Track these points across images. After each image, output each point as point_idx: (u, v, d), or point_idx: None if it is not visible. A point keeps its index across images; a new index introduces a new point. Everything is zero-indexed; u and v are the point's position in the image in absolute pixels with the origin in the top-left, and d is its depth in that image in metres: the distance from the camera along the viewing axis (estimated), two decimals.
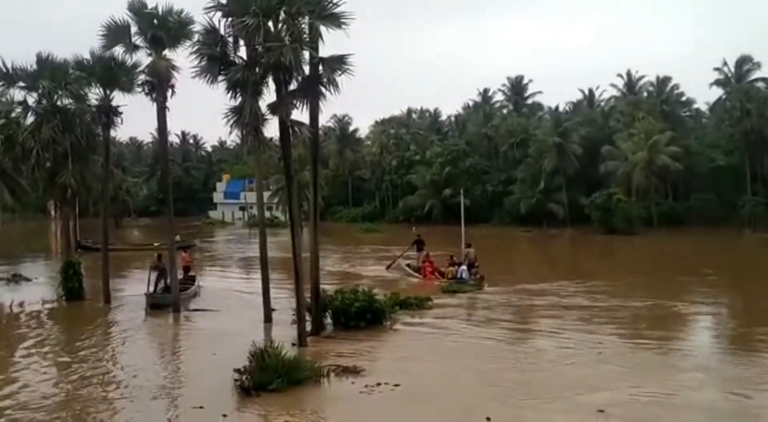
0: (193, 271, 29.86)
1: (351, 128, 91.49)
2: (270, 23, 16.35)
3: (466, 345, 17.57)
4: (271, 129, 18.15)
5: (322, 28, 16.71)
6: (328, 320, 19.39)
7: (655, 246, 50.71)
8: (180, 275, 25.92)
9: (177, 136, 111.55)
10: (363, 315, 19.18)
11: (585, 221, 63.16)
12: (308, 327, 17.90)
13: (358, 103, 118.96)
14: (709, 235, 54.43)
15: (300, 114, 17.61)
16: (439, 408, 12.06)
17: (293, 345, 16.62)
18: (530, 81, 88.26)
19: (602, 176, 66.92)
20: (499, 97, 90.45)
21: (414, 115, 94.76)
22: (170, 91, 22.77)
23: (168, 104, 22.91)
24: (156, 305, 23.47)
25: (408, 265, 32.26)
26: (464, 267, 28.60)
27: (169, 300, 23.29)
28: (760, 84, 68.19)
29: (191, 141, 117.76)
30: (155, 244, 48.64)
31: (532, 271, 34.50)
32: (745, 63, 69.48)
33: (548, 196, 68.99)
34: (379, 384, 13.23)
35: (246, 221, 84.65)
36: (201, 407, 12.36)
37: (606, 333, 18.77)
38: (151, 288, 24.29)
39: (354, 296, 19.57)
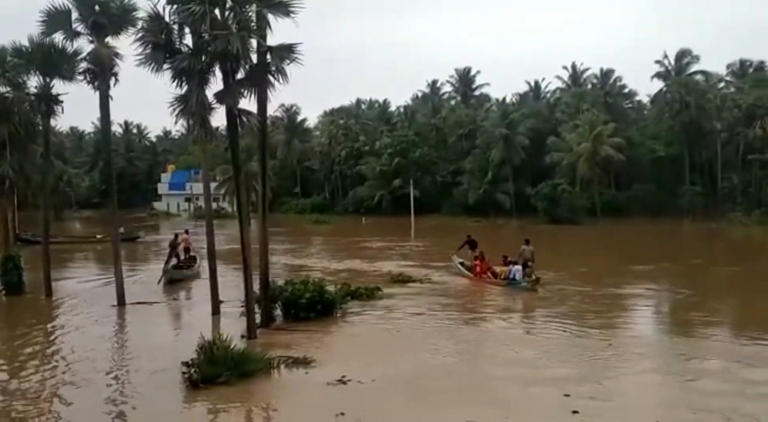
0: (193, 252, 31.61)
1: (299, 118, 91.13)
2: (216, 11, 16.05)
3: (414, 333, 17.66)
4: (218, 118, 17.91)
5: (270, 17, 16.52)
6: (278, 312, 19.24)
7: (599, 236, 51.95)
8: (183, 256, 30.41)
9: (120, 125, 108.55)
10: (313, 306, 19.07)
11: (531, 211, 64.34)
12: (258, 319, 17.73)
13: (307, 93, 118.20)
14: (651, 224, 56.01)
15: (248, 103, 17.40)
16: (387, 396, 12.13)
17: (242, 337, 16.46)
18: (478, 72, 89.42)
19: (548, 167, 68.17)
20: (447, 88, 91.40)
21: (363, 106, 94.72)
22: (113, 79, 22.07)
23: (111, 93, 22.22)
24: (173, 280, 26.59)
25: (461, 263, 29.11)
26: (518, 267, 25.50)
27: (182, 276, 27.46)
28: (698, 77, 70.38)
29: (135, 131, 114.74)
30: (98, 237, 47.56)
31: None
32: (684, 56, 71.63)
33: (496, 186, 69.90)
34: (343, 378, 13.16)
35: (192, 212, 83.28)
36: (147, 401, 12.14)
37: (556, 318, 19.15)
38: (170, 263, 28.28)
39: (304, 287, 19.44)
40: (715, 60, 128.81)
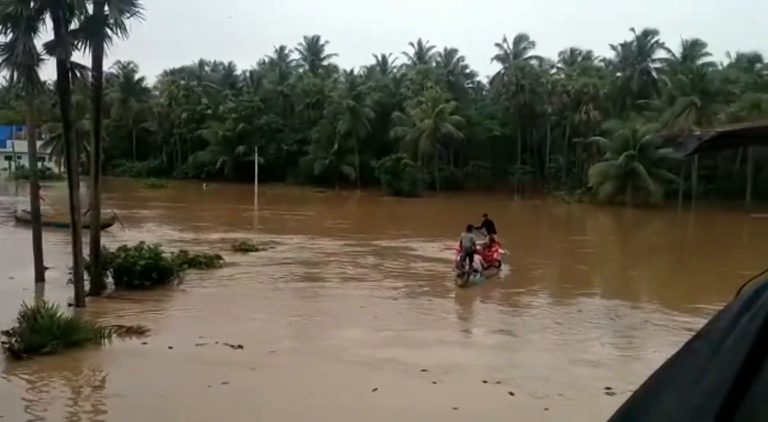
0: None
1: (137, 76, 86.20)
2: None
3: (253, 302, 17.51)
4: (47, 71, 16.51)
5: None
6: (110, 279, 18.29)
7: (436, 207, 54.10)
8: None
9: None
10: (148, 274, 18.27)
11: (375, 183, 65.63)
12: (87, 286, 16.76)
13: (146, 50, 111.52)
14: (484, 199, 59.08)
15: (82, 57, 16.19)
16: (227, 365, 11.98)
17: (70, 305, 15.50)
18: (327, 42, 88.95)
19: (392, 141, 69.69)
20: (295, 55, 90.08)
21: (207, 68, 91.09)
22: None
23: None
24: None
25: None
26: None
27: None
28: (533, 61, 74.69)
29: None
30: None
31: (325, 230, 35.11)
32: (522, 41, 75.60)
33: (341, 157, 70.48)
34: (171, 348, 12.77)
35: (13, 172, 76.48)
36: None
37: (392, 287, 19.76)
38: None
39: (139, 254, 18.56)
40: (549, 46, 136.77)
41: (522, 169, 68.85)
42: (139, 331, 13.71)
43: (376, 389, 10.56)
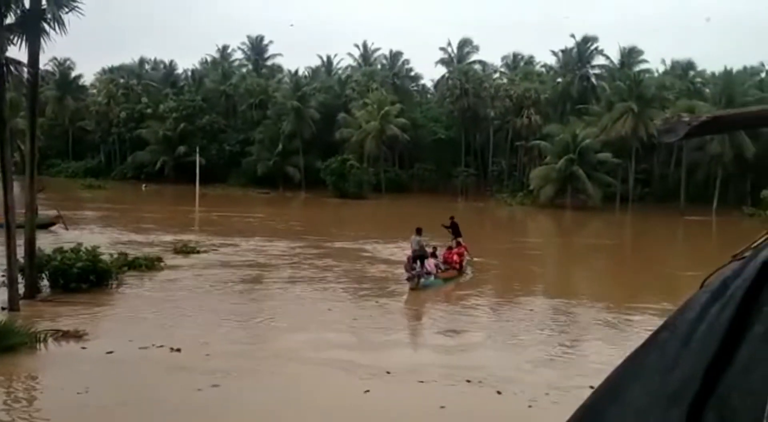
0: None
1: (73, 74, 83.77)
2: None
3: (193, 305, 17.11)
4: None
5: None
6: (46, 282, 17.63)
7: (382, 209, 54.21)
8: None
9: None
10: (86, 277, 17.68)
11: (320, 185, 65.32)
12: (22, 290, 16.11)
13: (83, 47, 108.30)
14: (429, 201, 59.49)
15: (17, 52, 15.56)
16: (163, 368, 11.66)
17: (3, 309, 14.87)
18: (271, 42, 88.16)
19: (337, 142, 69.53)
20: (238, 55, 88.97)
21: (147, 66, 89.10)
22: None
23: None
24: None
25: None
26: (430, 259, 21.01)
27: None
28: (477, 66, 75.71)
29: None
30: None
31: (270, 231, 34.70)
32: (465, 45, 76.57)
33: (286, 159, 69.94)
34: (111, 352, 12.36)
35: None
36: None
37: (340, 288, 19.64)
38: None
39: (76, 256, 17.95)
40: (492, 51, 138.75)
41: (466, 172, 69.66)
42: (76, 335, 13.23)
43: (368, 390, 10.41)
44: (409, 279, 19.92)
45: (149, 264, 21.65)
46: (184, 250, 25.72)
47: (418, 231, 20.86)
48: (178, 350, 12.29)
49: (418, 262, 20.06)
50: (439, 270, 21.29)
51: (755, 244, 1.36)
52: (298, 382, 10.89)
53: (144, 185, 68.51)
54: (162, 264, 22.07)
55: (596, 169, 59.97)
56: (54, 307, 15.90)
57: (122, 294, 18.21)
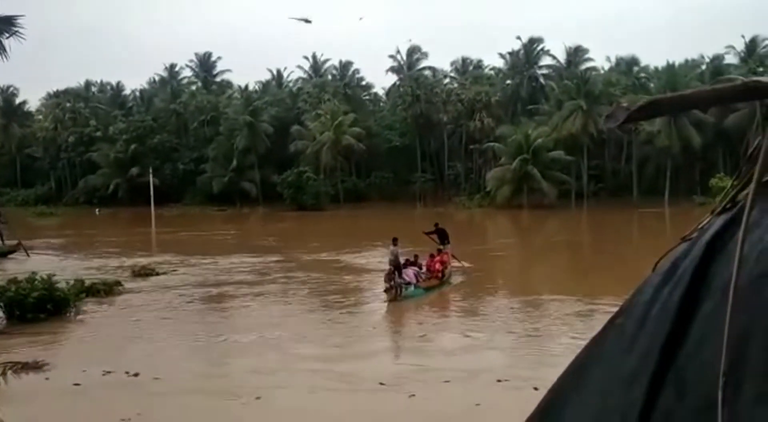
0: None
1: (18, 100, 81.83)
2: None
3: (154, 329, 16.81)
4: None
5: None
6: (1, 314, 17.14)
7: (342, 220, 54.12)
8: None
9: None
10: (43, 306, 17.25)
11: (277, 199, 64.99)
12: None
13: (28, 73, 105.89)
14: (388, 209, 59.67)
15: None
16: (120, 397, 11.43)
17: None
18: (219, 58, 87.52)
19: (292, 155, 69.31)
20: (187, 73, 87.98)
21: (94, 88, 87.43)
22: None
23: None
24: None
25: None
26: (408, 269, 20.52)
27: None
28: (427, 72, 76.33)
29: None
30: None
31: (227, 248, 34.33)
32: (414, 52, 77.16)
33: (241, 174, 69.41)
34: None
35: None
36: None
37: (309, 301, 19.53)
38: None
39: (31, 285, 17.49)
40: (441, 56, 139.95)
41: (423, 178, 70.06)
42: (36, 366, 12.84)
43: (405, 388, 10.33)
44: (386, 290, 19.11)
45: (107, 290, 21.19)
46: (143, 273, 25.27)
47: (394, 242, 20.16)
48: (136, 374, 12.06)
49: (395, 273, 19.38)
50: (420, 280, 20.63)
51: (701, 225, 1.43)
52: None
53: (98, 209, 67.18)
54: (121, 288, 21.65)
55: (550, 167, 60.91)
56: (10, 340, 15.42)
57: (81, 322, 17.80)
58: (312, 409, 10.38)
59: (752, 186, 1.22)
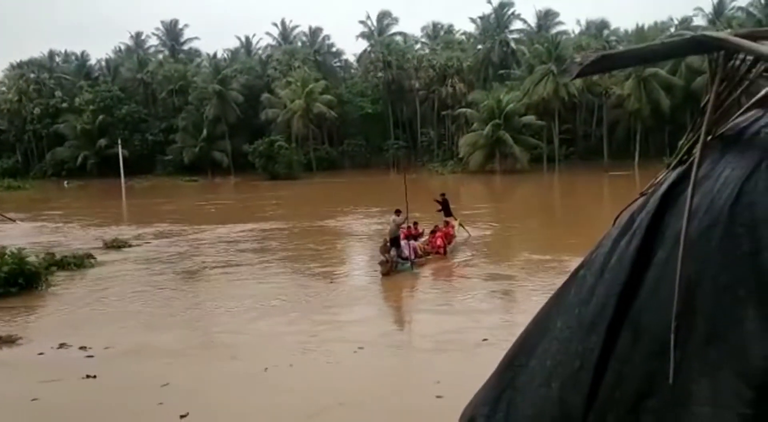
0: None
1: None
2: None
3: (127, 302, 16.73)
4: None
5: None
6: None
7: (316, 188, 53.94)
8: None
9: None
10: (14, 281, 17.07)
11: (249, 168, 64.60)
12: None
13: None
14: (361, 176, 59.66)
15: None
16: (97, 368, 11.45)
17: None
18: (186, 26, 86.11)
19: (263, 124, 68.78)
20: (153, 41, 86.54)
21: (58, 58, 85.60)
22: None
23: None
24: None
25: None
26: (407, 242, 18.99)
27: None
28: (398, 38, 75.76)
29: None
30: None
31: (200, 219, 34.12)
32: (385, 17, 76.47)
33: (212, 144, 68.77)
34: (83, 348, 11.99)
35: None
36: None
37: (278, 269, 19.56)
38: None
39: (1, 260, 17.30)
40: (412, 22, 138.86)
41: (396, 145, 69.95)
42: (9, 340, 12.80)
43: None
44: (381, 263, 17.87)
45: (78, 263, 20.98)
46: (115, 245, 25.05)
47: (397, 213, 18.85)
48: (95, 349, 12.02)
49: (393, 248, 18.25)
50: (418, 254, 19.22)
51: (656, 181, 1.48)
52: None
53: (66, 182, 66.23)
54: (92, 261, 21.46)
55: (522, 132, 61.20)
56: None
57: (53, 295, 17.63)
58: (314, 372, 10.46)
59: (701, 139, 1.26)
